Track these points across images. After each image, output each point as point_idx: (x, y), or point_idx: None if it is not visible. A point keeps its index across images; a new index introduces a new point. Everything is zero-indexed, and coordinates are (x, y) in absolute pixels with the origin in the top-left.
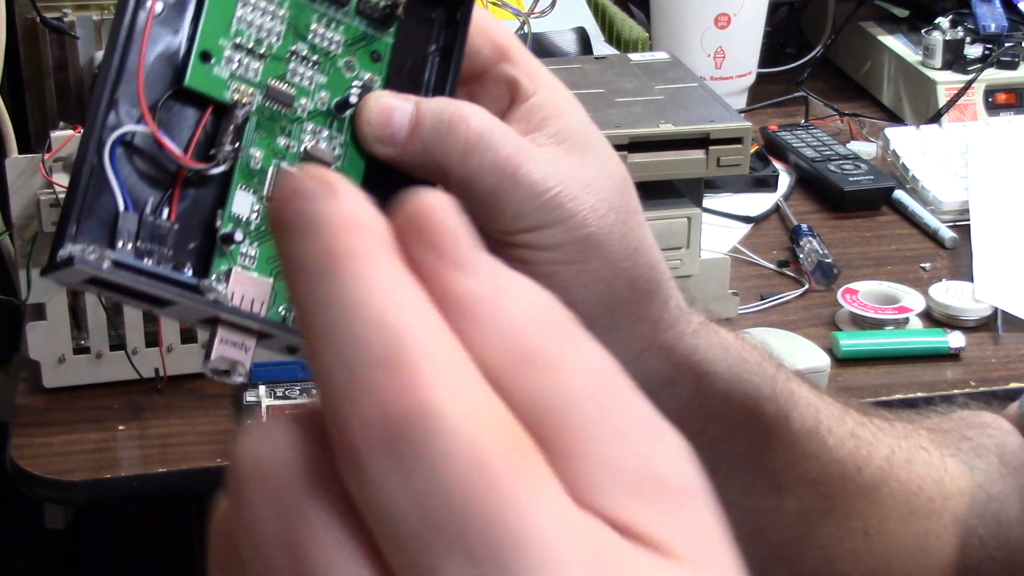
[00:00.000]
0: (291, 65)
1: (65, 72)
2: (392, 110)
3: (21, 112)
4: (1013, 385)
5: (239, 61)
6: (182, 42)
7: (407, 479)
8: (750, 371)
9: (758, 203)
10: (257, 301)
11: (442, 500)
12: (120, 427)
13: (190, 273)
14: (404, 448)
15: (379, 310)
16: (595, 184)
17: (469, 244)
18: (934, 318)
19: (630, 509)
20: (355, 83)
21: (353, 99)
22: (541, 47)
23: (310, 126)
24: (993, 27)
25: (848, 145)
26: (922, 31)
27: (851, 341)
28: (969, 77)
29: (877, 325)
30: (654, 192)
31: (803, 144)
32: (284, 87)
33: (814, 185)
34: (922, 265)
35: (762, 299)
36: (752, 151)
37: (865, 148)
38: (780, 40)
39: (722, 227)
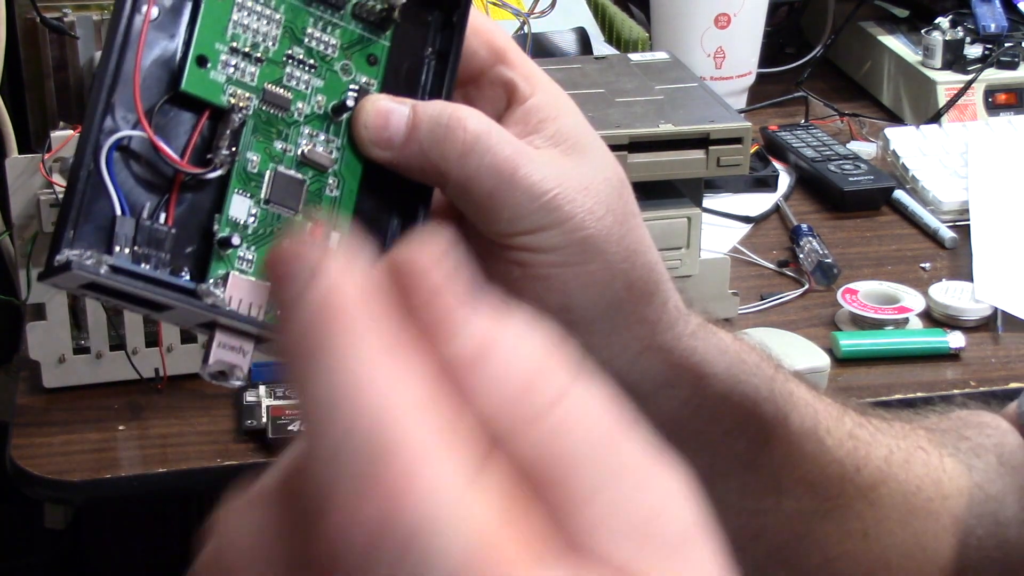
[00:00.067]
0: (287, 69)
1: (65, 72)
2: (389, 113)
3: (21, 112)
4: (1013, 385)
5: (235, 65)
6: (178, 46)
7: None
8: (749, 372)
9: (758, 203)
10: (255, 305)
11: None
12: (120, 427)
13: (187, 277)
14: (384, 559)
15: (358, 402)
16: (593, 186)
17: (453, 299)
18: (934, 318)
19: (627, 555)
20: (352, 86)
21: (350, 102)
22: (541, 47)
23: (307, 130)
24: (993, 27)
25: (848, 145)
26: (922, 31)
27: (851, 341)
28: (969, 77)
29: (877, 325)
30: (654, 192)
31: (803, 144)
32: (281, 91)
33: (814, 185)
34: (922, 265)
35: (762, 299)
36: (752, 151)
37: (865, 148)
38: (780, 40)
39: (722, 227)
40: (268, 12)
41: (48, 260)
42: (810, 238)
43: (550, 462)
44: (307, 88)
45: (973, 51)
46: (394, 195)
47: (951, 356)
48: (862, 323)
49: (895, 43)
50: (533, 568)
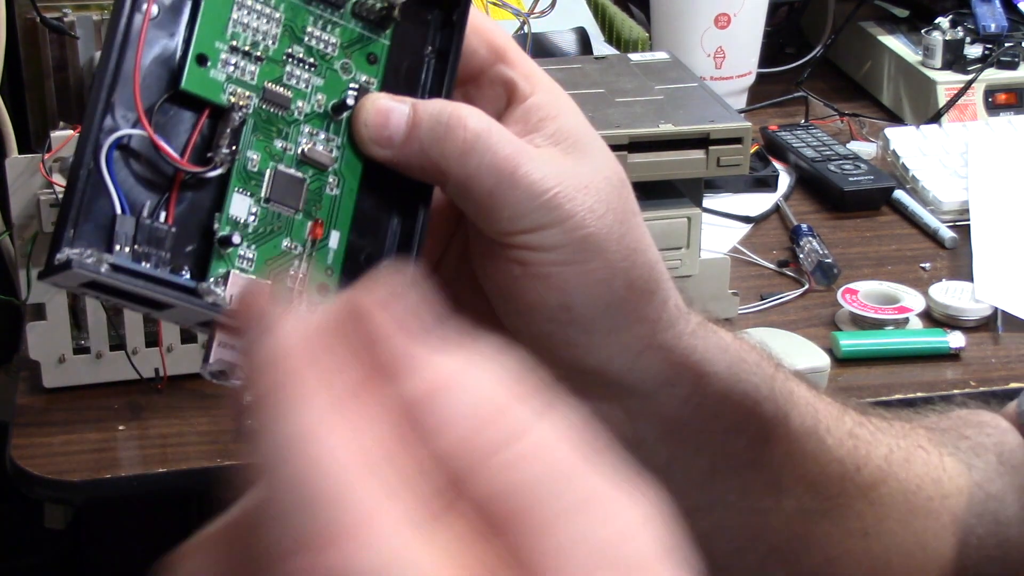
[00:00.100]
0: (287, 68)
1: (65, 72)
2: (389, 112)
3: (21, 112)
4: (1013, 385)
5: (235, 64)
6: (178, 45)
7: None
8: (749, 371)
9: (758, 203)
10: None
11: None
12: (120, 427)
13: (187, 276)
14: None
15: (305, 457)
16: (593, 185)
17: (406, 340)
18: (934, 318)
19: None
20: (352, 85)
21: (350, 101)
22: (541, 47)
23: (307, 128)
24: (993, 27)
25: (848, 145)
26: (922, 31)
27: (851, 341)
28: (969, 77)
29: (877, 325)
30: (654, 192)
31: (803, 144)
32: (281, 90)
33: (814, 185)
34: (922, 265)
35: (762, 299)
36: (752, 151)
37: (865, 148)
38: (780, 40)
39: (722, 227)
40: (268, 11)
41: (48, 259)
42: (810, 238)
43: (509, 496)
44: (307, 87)
45: (973, 51)
46: (394, 194)
47: (951, 356)
48: (862, 323)
49: (895, 43)
50: None
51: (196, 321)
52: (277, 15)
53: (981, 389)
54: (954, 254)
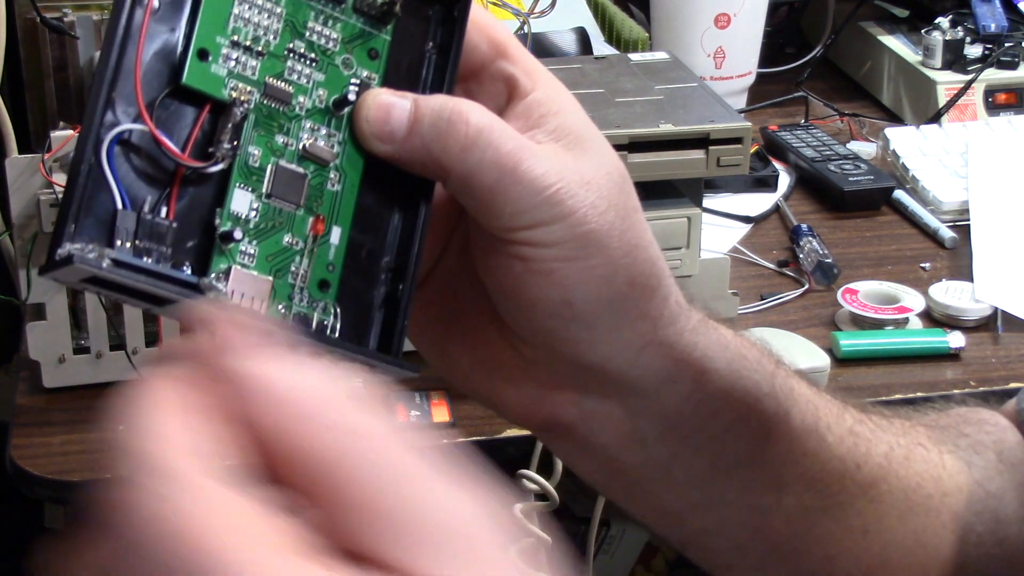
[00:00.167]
0: (289, 63)
1: (65, 72)
2: (390, 107)
3: (21, 112)
4: (1013, 385)
5: (237, 59)
6: (179, 39)
7: None
8: (749, 368)
9: (758, 203)
10: (257, 299)
11: None
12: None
13: (189, 272)
14: None
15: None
16: (594, 181)
17: (253, 339)
18: (934, 318)
19: (384, 550)
20: (353, 80)
21: (351, 96)
22: (541, 47)
23: (308, 124)
24: (993, 27)
25: (848, 145)
26: (922, 31)
27: (851, 341)
28: (969, 77)
29: (877, 325)
30: (654, 192)
31: (803, 144)
32: (282, 85)
33: (814, 185)
34: (922, 265)
35: (762, 299)
36: (752, 151)
37: (865, 148)
38: (780, 40)
39: (722, 227)
40: (269, 6)
41: (49, 254)
42: (810, 238)
43: (324, 465)
44: (308, 82)
45: (973, 51)
46: (396, 190)
47: (951, 356)
48: (862, 323)
49: (895, 43)
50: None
51: None
52: (278, 10)
53: (981, 389)
54: (954, 254)
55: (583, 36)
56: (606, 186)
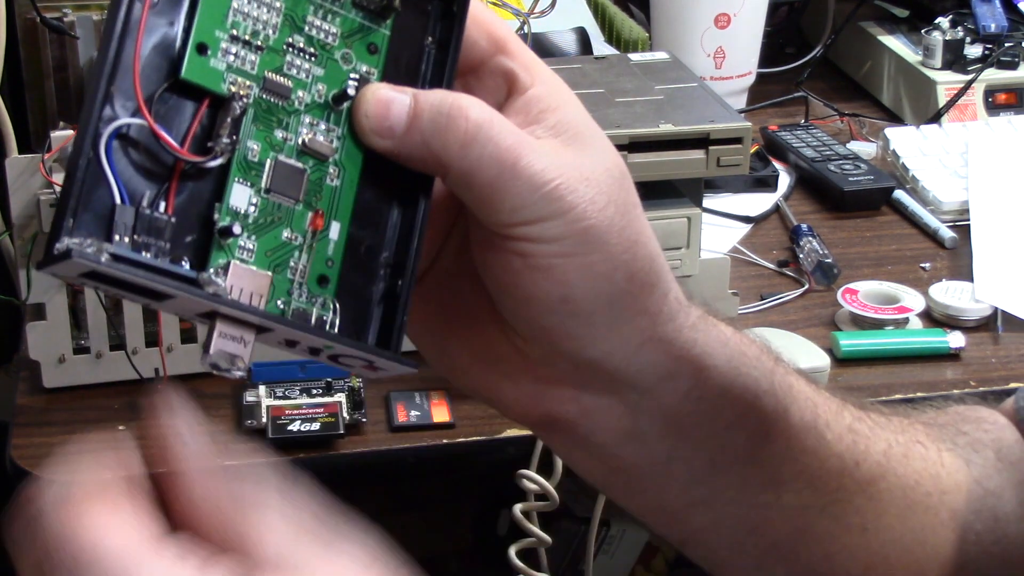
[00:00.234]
0: (288, 57)
1: (65, 72)
2: (390, 102)
3: (21, 112)
4: (1013, 385)
5: (235, 53)
6: (178, 34)
7: None
8: (749, 365)
9: (758, 203)
10: (256, 294)
11: None
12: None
13: (187, 266)
14: None
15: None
16: (594, 177)
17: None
18: (934, 318)
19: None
20: (352, 75)
21: (351, 91)
22: (541, 47)
23: (307, 119)
24: (993, 27)
25: (848, 145)
26: (922, 31)
27: (851, 341)
28: (969, 77)
29: (877, 325)
30: (654, 192)
31: (803, 144)
32: (281, 79)
33: (814, 185)
34: (922, 265)
35: (762, 299)
36: (752, 151)
37: (865, 148)
38: (780, 40)
39: (722, 227)
40: (268, 0)
41: (47, 248)
42: (810, 238)
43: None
44: (307, 77)
45: (973, 51)
46: (395, 185)
47: (951, 356)
48: (862, 323)
49: (895, 43)
50: None
51: (196, 312)
52: (277, 4)
53: (981, 389)
54: (954, 254)
55: (583, 36)
56: (606, 182)
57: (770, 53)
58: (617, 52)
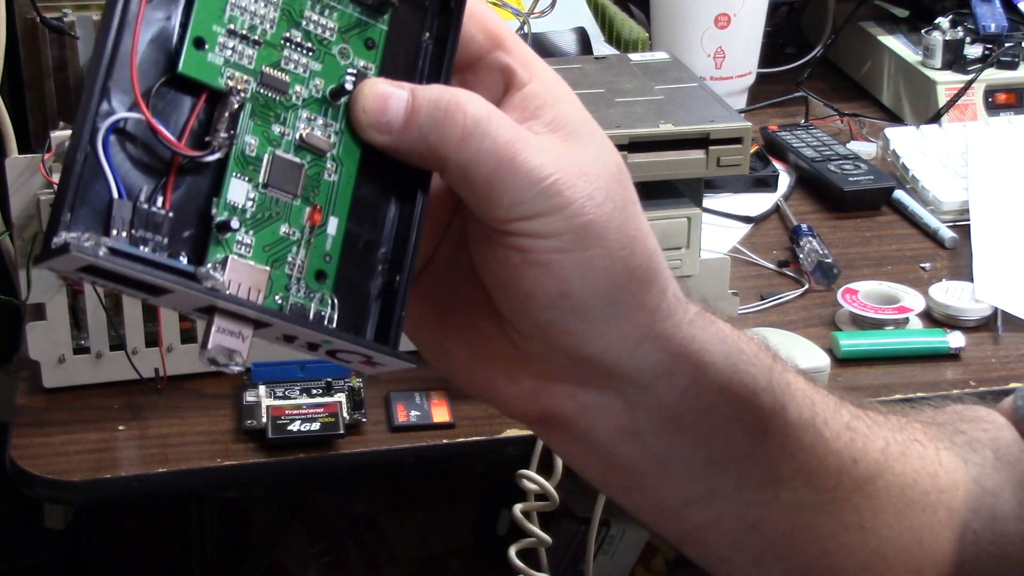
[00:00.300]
0: (285, 52)
1: (65, 72)
2: (388, 97)
3: (21, 112)
4: (1013, 385)
5: (233, 48)
6: (175, 28)
7: None
8: (747, 362)
9: (758, 203)
10: (254, 289)
11: None
12: (120, 427)
13: (185, 261)
14: None
15: None
16: (592, 172)
17: None
18: (934, 318)
19: None
20: (350, 70)
21: (348, 86)
22: (541, 47)
23: (305, 113)
24: (993, 27)
25: (848, 145)
26: (922, 31)
27: (851, 341)
28: (969, 77)
29: (877, 325)
30: (654, 192)
31: (803, 144)
32: (278, 74)
33: (814, 185)
34: (922, 265)
35: (762, 299)
36: (752, 151)
37: (865, 148)
38: (780, 40)
39: (722, 227)
40: None
41: (45, 243)
42: (810, 238)
43: None
44: (305, 71)
45: (973, 51)
46: (392, 180)
47: (951, 356)
48: (862, 323)
49: (895, 43)
50: None
51: (194, 307)
52: None
53: (981, 389)
54: (954, 254)
55: (583, 36)
56: (603, 177)
57: (770, 53)
58: (617, 52)
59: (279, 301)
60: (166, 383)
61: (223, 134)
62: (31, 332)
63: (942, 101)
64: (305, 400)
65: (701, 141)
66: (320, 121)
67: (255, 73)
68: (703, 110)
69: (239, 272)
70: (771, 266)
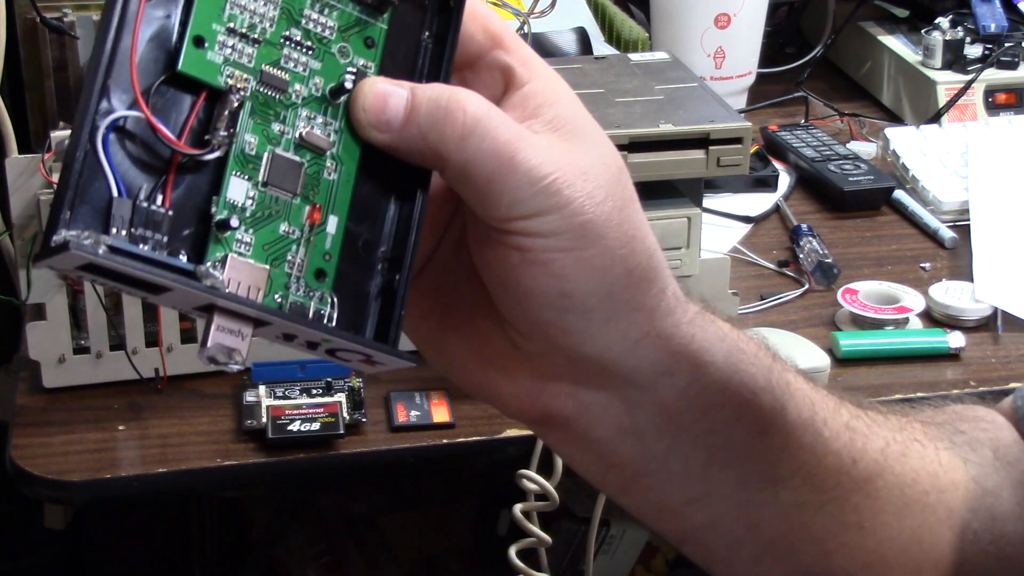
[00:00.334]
0: (285, 51)
1: (65, 72)
2: (387, 96)
3: (21, 112)
4: (1013, 385)
5: (233, 46)
6: (175, 26)
7: None
8: (747, 361)
9: (758, 203)
10: (253, 288)
11: None
12: (120, 427)
13: (185, 259)
14: None
15: None
16: (592, 171)
17: None
18: (934, 318)
19: None
20: (349, 69)
21: (348, 85)
22: (541, 47)
23: (305, 112)
24: (993, 27)
25: (848, 145)
26: (922, 31)
27: (851, 341)
28: (969, 77)
29: (877, 325)
30: (654, 192)
31: (803, 144)
32: (278, 73)
33: (814, 185)
34: (922, 265)
35: (762, 299)
36: (752, 151)
37: (865, 148)
38: (780, 40)
39: (722, 227)
40: None
41: (45, 241)
42: (810, 238)
43: None
44: (305, 70)
45: (973, 51)
46: (392, 179)
47: (951, 356)
48: (862, 323)
49: (895, 43)
50: None
51: (194, 305)
52: None
53: (981, 389)
54: (954, 254)
55: (583, 36)
56: (603, 176)
57: (770, 53)
58: (617, 52)
59: (278, 300)
60: (166, 383)
61: (223, 132)
62: (31, 332)
63: (942, 101)
64: (305, 400)
65: (701, 141)
66: (320, 120)
67: (255, 71)
68: (703, 110)
69: (239, 270)
70: (771, 266)
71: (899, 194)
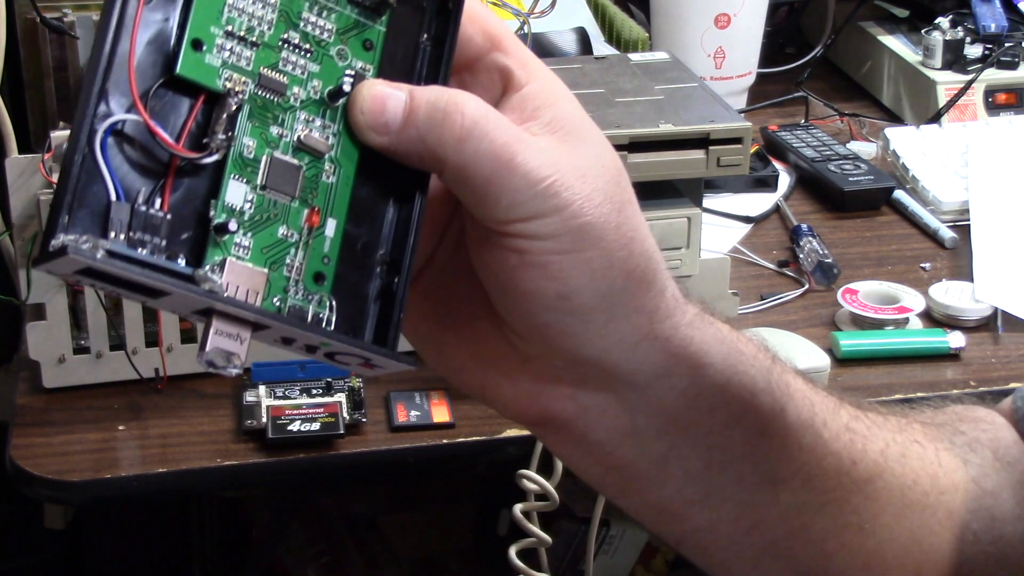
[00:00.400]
0: (283, 53)
1: (65, 72)
2: (386, 98)
3: (21, 112)
4: (1013, 385)
5: (231, 49)
6: (173, 29)
7: None
8: (746, 363)
9: (758, 203)
10: (252, 291)
11: None
12: (120, 427)
13: (183, 263)
14: None
15: None
16: (590, 173)
17: None
18: (934, 318)
19: None
20: (347, 71)
21: (346, 87)
22: (541, 47)
23: (303, 115)
24: (993, 27)
25: (848, 145)
26: (922, 31)
27: (851, 341)
28: (969, 77)
29: (877, 325)
30: (654, 192)
31: (803, 144)
32: (276, 75)
33: (814, 185)
34: (922, 265)
35: (762, 299)
36: (752, 151)
37: (865, 148)
38: (780, 40)
39: (722, 227)
40: None
41: (43, 245)
42: (810, 238)
43: None
44: (303, 73)
45: (973, 51)
46: (391, 182)
47: (951, 356)
48: (862, 323)
49: (895, 43)
50: None
51: (192, 309)
52: (272, 0)
53: (981, 389)
54: (954, 254)
55: (583, 36)
56: (602, 178)
57: (770, 53)
58: (617, 52)
59: (277, 303)
60: (166, 383)
61: (221, 136)
62: (31, 332)
63: (942, 101)
64: (305, 400)
65: (701, 141)
66: (318, 122)
67: (253, 75)
68: (703, 110)
69: (237, 274)
70: (771, 266)
71: (899, 194)
